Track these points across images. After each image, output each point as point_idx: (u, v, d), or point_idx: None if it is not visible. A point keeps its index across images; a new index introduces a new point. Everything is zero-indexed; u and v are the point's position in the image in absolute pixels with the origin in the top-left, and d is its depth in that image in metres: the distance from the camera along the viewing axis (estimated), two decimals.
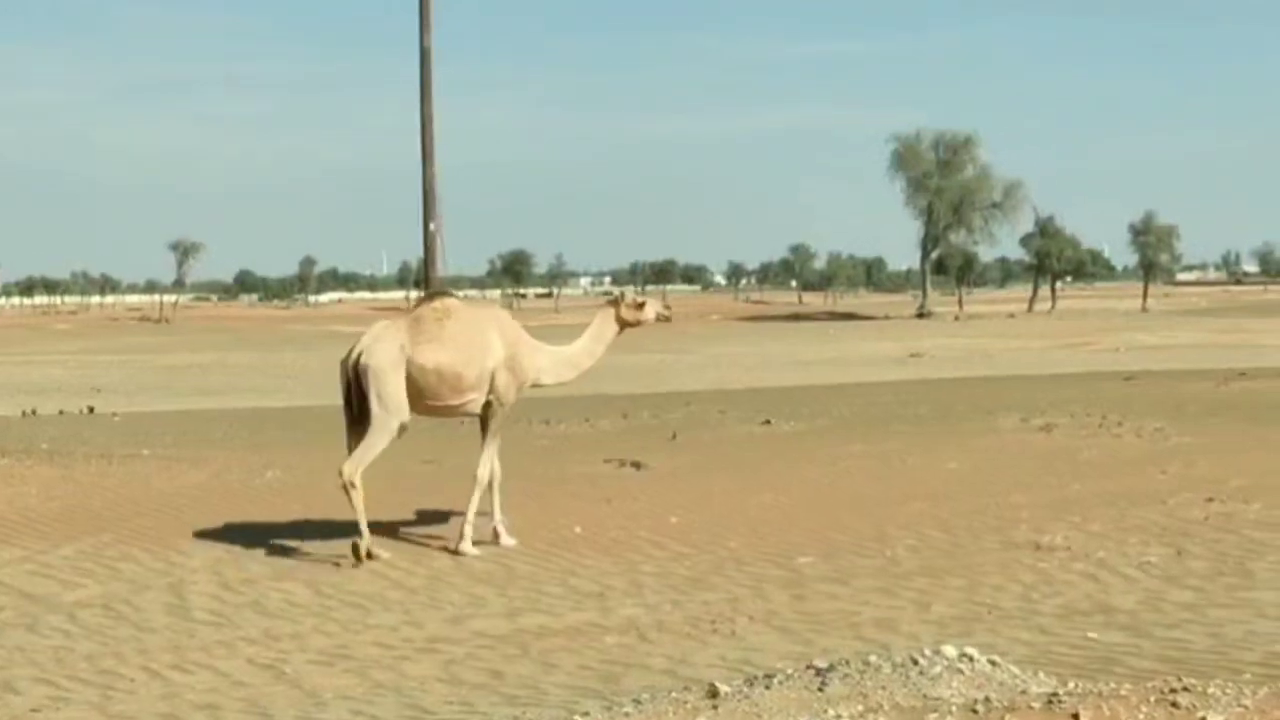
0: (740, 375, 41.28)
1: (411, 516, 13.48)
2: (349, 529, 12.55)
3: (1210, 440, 17.37)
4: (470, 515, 12.41)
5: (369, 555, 12.03)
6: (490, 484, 12.57)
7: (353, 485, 12.07)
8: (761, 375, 41.45)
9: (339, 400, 12.70)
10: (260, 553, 12.51)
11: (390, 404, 12.21)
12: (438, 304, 12.81)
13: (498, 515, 12.61)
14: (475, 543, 12.37)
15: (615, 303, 13.20)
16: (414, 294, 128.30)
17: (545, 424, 20.66)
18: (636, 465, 16.43)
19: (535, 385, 13.13)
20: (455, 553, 12.28)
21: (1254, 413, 20.43)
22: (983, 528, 12.72)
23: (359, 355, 12.36)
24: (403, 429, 12.41)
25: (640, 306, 13.19)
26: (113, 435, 21.53)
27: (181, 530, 13.40)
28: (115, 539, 13.09)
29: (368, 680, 8.96)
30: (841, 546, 12.25)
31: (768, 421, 20.34)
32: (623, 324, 13.08)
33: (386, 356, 12.28)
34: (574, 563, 11.97)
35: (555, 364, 13.07)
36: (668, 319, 13.63)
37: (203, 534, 13.18)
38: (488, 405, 12.64)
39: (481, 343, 12.52)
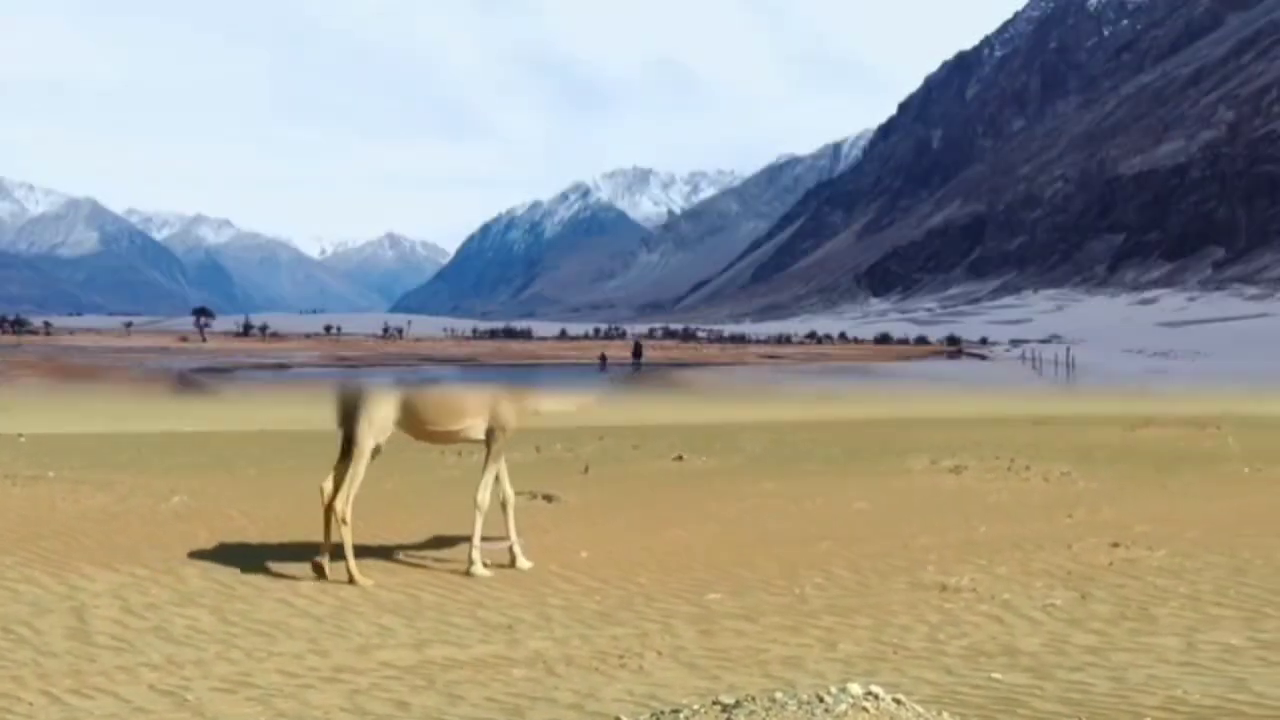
0: (655, 410, 41.28)
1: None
2: (253, 555, 12.42)
3: (1116, 486, 17.60)
4: (476, 540, 12.70)
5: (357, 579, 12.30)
6: (504, 506, 12.96)
7: (344, 521, 12.37)
8: (676, 411, 41.48)
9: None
10: (165, 577, 12.37)
11: (375, 426, 12.51)
12: None
13: (513, 537, 12.94)
14: (487, 565, 12.71)
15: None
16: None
17: (457, 455, 20.59)
18: (548, 498, 16.42)
19: (535, 413, 13.47)
20: (467, 574, 12.54)
21: (1159, 460, 20.71)
22: (890, 568, 12.81)
23: (363, 381, 12.56)
24: (377, 451, 12.63)
25: None
26: (18, 456, 21.23)
27: (85, 553, 13.23)
28: (17, 561, 12.90)
29: (271, 709, 8.87)
30: (750, 584, 12.29)
31: (680, 457, 20.40)
32: None
33: (386, 382, 12.53)
34: (483, 595, 11.93)
35: (555, 395, 13.48)
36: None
37: (107, 558, 13.01)
38: (489, 432, 12.91)
39: None
